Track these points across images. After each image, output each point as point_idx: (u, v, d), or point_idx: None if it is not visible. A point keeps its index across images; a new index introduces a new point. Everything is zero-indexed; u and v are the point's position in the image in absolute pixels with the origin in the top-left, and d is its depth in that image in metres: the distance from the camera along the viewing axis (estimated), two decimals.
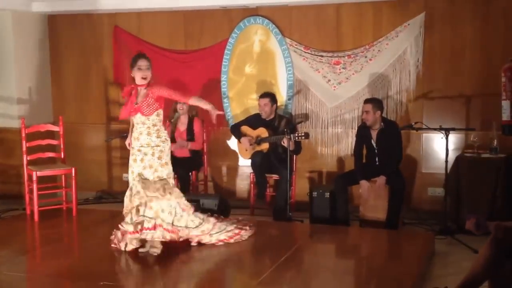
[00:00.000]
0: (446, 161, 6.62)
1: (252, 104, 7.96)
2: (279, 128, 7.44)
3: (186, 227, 5.67)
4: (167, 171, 5.67)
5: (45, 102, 9.02)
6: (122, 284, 5.04)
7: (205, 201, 7.09)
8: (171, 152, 5.82)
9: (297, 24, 7.91)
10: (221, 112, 5.91)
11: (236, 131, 7.76)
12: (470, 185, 6.69)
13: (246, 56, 8.15)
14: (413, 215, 7.29)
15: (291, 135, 7.02)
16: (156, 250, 5.54)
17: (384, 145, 6.86)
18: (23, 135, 7.22)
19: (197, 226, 5.73)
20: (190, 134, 7.75)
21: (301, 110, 7.94)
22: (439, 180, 7.12)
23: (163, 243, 5.56)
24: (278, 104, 7.83)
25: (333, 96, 7.75)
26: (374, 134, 6.91)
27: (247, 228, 6.21)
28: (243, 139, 7.63)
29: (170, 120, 7.63)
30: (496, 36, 7.06)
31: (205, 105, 5.71)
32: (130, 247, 5.60)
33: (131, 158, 5.71)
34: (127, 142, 5.95)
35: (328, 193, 6.99)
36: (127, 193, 5.68)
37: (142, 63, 5.58)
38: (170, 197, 5.57)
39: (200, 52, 8.34)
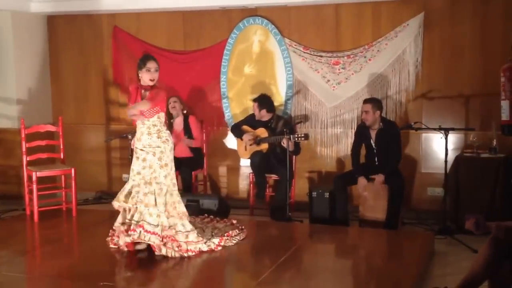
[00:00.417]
0: (446, 161, 6.62)
1: (251, 104, 7.94)
2: (277, 129, 7.44)
3: (175, 230, 5.61)
4: (165, 172, 5.62)
5: (44, 102, 9.03)
6: (122, 285, 5.04)
7: (205, 201, 7.11)
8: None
9: (296, 24, 7.92)
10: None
11: (236, 130, 7.76)
12: (470, 185, 6.69)
13: (245, 57, 8.16)
14: (413, 215, 7.29)
15: (291, 136, 7.02)
16: (140, 246, 5.63)
17: (383, 145, 6.87)
18: (23, 135, 7.22)
19: (187, 231, 5.65)
20: (188, 133, 7.77)
21: (300, 110, 7.94)
22: (438, 180, 7.12)
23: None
24: (277, 104, 7.84)
25: (333, 96, 7.75)
26: (373, 134, 6.92)
27: (235, 231, 6.15)
28: (244, 136, 7.62)
29: (169, 121, 7.65)
30: (495, 36, 7.06)
31: (137, 104, 5.60)
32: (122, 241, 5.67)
33: (134, 155, 5.71)
34: (132, 142, 5.99)
35: (328, 193, 6.99)
36: (125, 186, 5.73)
37: (152, 65, 5.55)
38: (158, 205, 5.53)
39: (199, 53, 8.34)
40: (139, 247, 5.67)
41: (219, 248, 5.72)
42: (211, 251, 5.65)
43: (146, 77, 5.56)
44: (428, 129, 6.88)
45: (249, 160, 7.57)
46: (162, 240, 5.50)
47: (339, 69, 7.68)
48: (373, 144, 6.92)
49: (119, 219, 5.76)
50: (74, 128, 8.85)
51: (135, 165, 5.66)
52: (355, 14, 7.65)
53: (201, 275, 5.33)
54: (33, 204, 7.03)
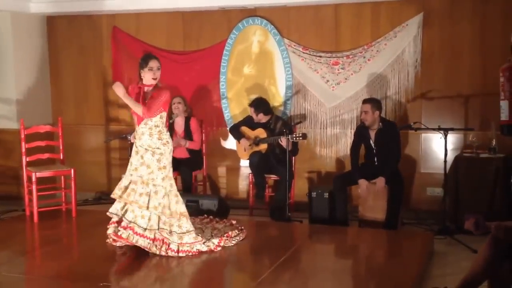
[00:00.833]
0: (445, 161, 6.63)
1: None
2: (276, 130, 7.45)
3: (170, 231, 5.58)
4: (163, 174, 5.60)
5: (44, 103, 9.03)
6: (122, 285, 5.04)
7: (204, 201, 7.11)
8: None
9: (296, 24, 7.92)
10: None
11: (235, 131, 7.76)
12: (469, 185, 6.70)
13: (244, 57, 8.16)
14: (412, 215, 7.29)
15: (289, 135, 7.03)
16: (119, 243, 5.70)
17: (382, 145, 6.87)
18: (22, 136, 7.22)
19: (183, 233, 5.61)
20: (188, 135, 7.76)
21: (299, 110, 7.94)
22: (438, 180, 7.13)
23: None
24: (277, 104, 7.85)
25: (332, 97, 7.76)
26: (372, 134, 6.92)
27: (235, 232, 6.12)
28: (242, 141, 7.64)
29: (168, 121, 7.64)
30: (494, 36, 7.07)
31: (129, 100, 5.58)
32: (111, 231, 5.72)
33: (133, 150, 5.71)
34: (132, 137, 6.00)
35: (327, 194, 6.99)
36: (122, 180, 5.73)
37: (154, 64, 5.56)
38: (151, 208, 5.52)
39: (198, 53, 8.35)
40: (119, 243, 5.74)
41: (219, 248, 5.70)
42: (211, 251, 5.64)
43: (149, 75, 5.57)
44: (428, 129, 6.88)
45: (248, 161, 7.57)
46: (153, 242, 5.50)
47: (338, 70, 7.68)
48: (373, 144, 6.93)
49: (116, 207, 5.74)
50: (73, 128, 8.85)
51: (134, 159, 5.66)
52: (355, 14, 7.65)
53: (201, 275, 5.33)
54: (33, 204, 7.03)
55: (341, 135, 7.80)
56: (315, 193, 7.07)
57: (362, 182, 6.82)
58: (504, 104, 5.96)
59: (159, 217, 5.55)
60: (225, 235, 5.96)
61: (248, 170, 7.72)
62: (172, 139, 7.52)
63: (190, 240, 5.61)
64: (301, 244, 6.18)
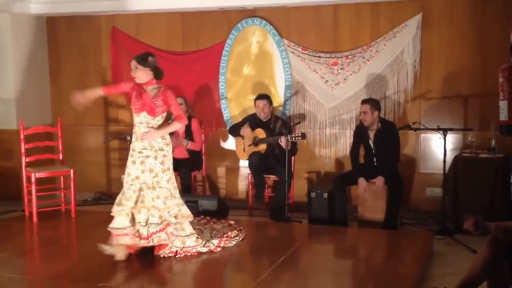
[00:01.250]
0: (444, 161, 6.63)
1: (250, 105, 7.95)
2: (275, 130, 7.45)
3: (174, 235, 5.54)
4: (167, 176, 5.55)
5: (43, 103, 9.03)
6: (121, 286, 5.03)
7: (204, 202, 7.12)
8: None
9: (295, 25, 7.92)
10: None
11: (234, 131, 7.77)
12: (468, 185, 6.70)
13: (244, 57, 8.16)
14: (412, 215, 7.30)
15: (288, 135, 7.03)
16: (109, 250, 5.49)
17: (382, 146, 6.87)
18: (22, 136, 7.22)
19: (187, 235, 5.57)
20: (189, 135, 7.76)
21: (299, 111, 7.94)
22: (437, 180, 7.13)
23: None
24: (276, 105, 7.86)
25: (331, 97, 7.76)
26: (371, 134, 6.92)
27: (234, 232, 6.10)
28: (242, 130, 7.59)
29: (168, 122, 7.61)
30: (493, 36, 7.07)
31: (166, 128, 5.59)
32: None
33: (129, 159, 5.57)
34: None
35: (327, 194, 6.99)
36: (119, 196, 5.57)
37: (131, 64, 5.51)
38: (164, 208, 5.49)
39: (198, 53, 8.35)
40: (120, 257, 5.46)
41: (218, 249, 5.69)
42: (210, 252, 5.63)
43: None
44: (427, 129, 6.88)
45: (247, 161, 7.57)
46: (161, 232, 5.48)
47: (337, 70, 7.68)
48: (372, 145, 6.93)
49: (121, 221, 5.50)
50: (73, 129, 8.85)
51: (132, 169, 5.53)
52: (354, 15, 7.66)
53: (200, 276, 5.33)
54: (32, 205, 7.03)
55: (340, 135, 7.81)
56: (314, 193, 7.07)
57: (361, 181, 6.82)
58: (503, 104, 5.96)
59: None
60: (224, 236, 5.94)
61: (248, 171, 7.72)
62: (172, 139, 7.61)
63: (192, 244, 5.57)
64: (301, 245, 6.18)
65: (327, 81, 7.74)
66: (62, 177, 7.54)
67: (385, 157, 6.85)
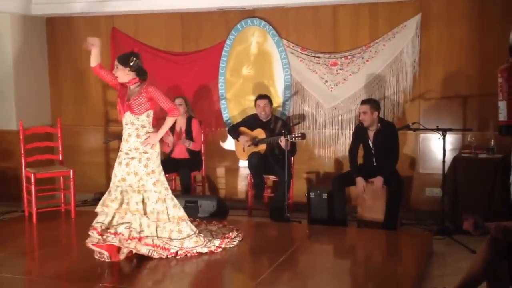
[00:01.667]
0: (444, 162, 6.63)
1: (250, 105, 7.96)
2: (275, 130, 7.46)
3: (170, 238, 5.50)
4: (153, 179, 5.49)
5: (43, 104, 9.03)
6: (121, 286, 5.04)
7: (203, 202, 7.12)
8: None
9: (294, 25, 7.93)
10: (151, 142, 5.57)
11: (234, 132, 7.77)
12: (468, 185, 6.71)
13: (243, 58, 8.17)
14: (411, 216, 7.30)
15: (288, 135, 7.04)
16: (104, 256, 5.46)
17: (381, 146, 6.87)
18: (21, 137, 7.22)
19: (184, 238, 5.54)
20: (189, 135, 7.76)
21: (298, 111, 7.95)
22: (436, 181, 7.14)
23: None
24: (275, 105, 7.87)
25: (330, 97, 7.77)
26: (371, 134, 6.92)
27: (234, 233, 6.06)
28: (241, 138, 7.64)
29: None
30: (492, 37, 7.08)
31: (163, 128, 5.58)
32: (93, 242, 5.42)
33: (117, 160, 5.57)
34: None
35: (326, 194, 6.99)
36: (105, 195, 5.56)
37: (114, 63, 5.53)
38: (149, 215, 5.43)
39: (197, 54, 8.35)
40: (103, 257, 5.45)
41: (219, 250, 5.67)
42: (211, 252, 5.62)
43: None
44: (426, 129, 6.89)
45: (247, 161, 7.58)
46: (154, 248, 5.41)
47: (337, 70, 7.69)
48: (371, 145, 6.93)
49: (103, 219, 5.51)
50: (72, 129, 8.85)
51: (118, 170, 5.53)
52: (353, 15, 7.66)
53: (200, 276, 5.33)
54: (32, 205, 7.04)
55: (340, 136, 7.81)
56: (313, 193, 7.07)
57: (359, 181, 6.83)
58: (502, 105, 5.96)
59: (156, 224, 5.47)
60: (226, 236, 5.91)
61: (247, 171, 7.72)
62: (171, 139, 7.61)
63: (191, 245, 5.54)
64: (300, 245, 6.18)
65: (326, 81, 7.75)
66: (61, 177, 7.54)
67: (384, 157, 6.86)
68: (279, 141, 7.20)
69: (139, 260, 5.45)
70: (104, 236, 5.35)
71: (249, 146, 7.60)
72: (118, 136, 8.05)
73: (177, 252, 5.49)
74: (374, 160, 6.95)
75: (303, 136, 7.06)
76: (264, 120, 7.57)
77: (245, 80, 8.19)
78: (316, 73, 7.78)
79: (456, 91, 7.30)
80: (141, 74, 5.54)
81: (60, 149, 7.58)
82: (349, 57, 7.64)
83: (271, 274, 5.05)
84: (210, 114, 8.36)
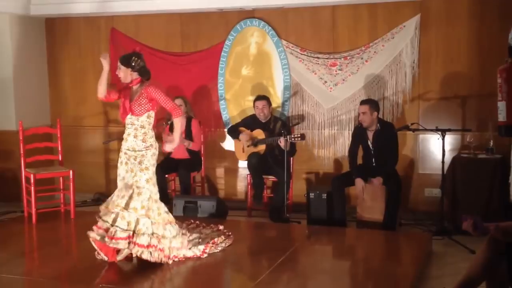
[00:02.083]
0: (443, 162, 6.64)
1: (249, 105, 7.96)
2: (275, 130, 7.47)
3: (163, 236, 5.42)
4: (146, 176, 5.43)
5: (42, 104, 9.04)
6: (120, 287, 5.04)
7: (203, 203, 7.12)
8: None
9: (293, 26, 7.94)
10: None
11: (233, 132, 7.78)
12: (467, 186, 6.71)
13: (242, 58, 8.17)
14: (410, 216, 7.30)
15: (288, 136, 7.04)
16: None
17: (380, 146, 6.88)
18: (21, 137, 7.22)
19: (173, 236, 5.47)
20: (188, 136, 7.76)
21: (297, 111, 7.96)
22: (435, 181, 7.15)
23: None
24: (275, 105, 7.87)
25: (330, 98, 7.77)
26: (370, 135, 6.93)
27: (221, 239, 5.96)
28: (241, 136, 7.64)
29: (167, 122, 7.60)
30: (491, 37, 7.08)
31: (176, 132, 5.57)
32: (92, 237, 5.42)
33: (119, 160, 5.57)
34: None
35: (325, 194, 7.00)
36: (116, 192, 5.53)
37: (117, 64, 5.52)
38: (133, 209, 5.33)
39: (196, 54, 8.36)
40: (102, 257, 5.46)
41: (205, 255, 5.57)
42: (197, 258, 5.53)
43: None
44: (425, 130, 6.90)
45: (246, 162, 7.58)
46: (147, 248, 5.30)
47: (336, 71, 7.70)
48: (370, 145, 6.94)
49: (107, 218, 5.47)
50: (72, 130, 8.85)
51: (121, 170, 5.54)
52: (352, 16, 7.67)
53: (199, 277, 5.33)
54: (31, 206, 7.03)
55: (339, 136, 7.82)
56: (313, 194, 7.08)
57: (358, 181, 6.84)
58: (501, 105, 5.95)
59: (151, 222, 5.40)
60: (211, 242, 5.80)
61: (246, 171, 7.73)
62: (170, 138, 7.59)
63: (178, 245, 5.48)
64: (299, 245, 6.18)
65: (325, 82, 7.76)
66: (61, 178, 7.54)
67: (383, 158, 6.87)
68: (279, 142, 7.20)
69: (138, 261, 5.45)
70: (106, 239, 5.31)
71: (248, 146, 7.60)
72: (118, 137, 8.11)
73: (169, 255, 5.40)
74: (373, 160, 6.96)
75: (302, 137, 7.06)
76: (264, 121, 7.58)
77: (245, 80, 8.20)
78: (315, 73, 7.79)
79: (455, 91, 7.31)
80: (144, 74, 5.52)
81: (59, 149, 7.58)
82: (348, 57, 7.64)
83: (270, 275, 5.06)
84: (209, 115, 8.36)
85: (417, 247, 5.94)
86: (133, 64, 5.46)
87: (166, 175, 7.74)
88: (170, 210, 5.96)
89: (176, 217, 5.74)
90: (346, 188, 7.14)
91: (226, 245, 5.89)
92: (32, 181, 7.03)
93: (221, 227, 6.39)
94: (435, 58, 7.38)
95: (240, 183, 8.36)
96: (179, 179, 7.59)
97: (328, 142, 7.88)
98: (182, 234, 5.72)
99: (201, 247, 5.65)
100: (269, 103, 7.58)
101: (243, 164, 7.98)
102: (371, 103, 6.89)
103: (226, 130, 8.09)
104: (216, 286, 5.25)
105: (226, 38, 8.17)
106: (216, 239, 5.90)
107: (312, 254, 5.98)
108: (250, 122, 7.67)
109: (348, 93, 7.69)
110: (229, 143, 8.24)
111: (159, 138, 5.91)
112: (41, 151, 7.50)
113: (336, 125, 7.81)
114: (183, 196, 7.34)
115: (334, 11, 7.73)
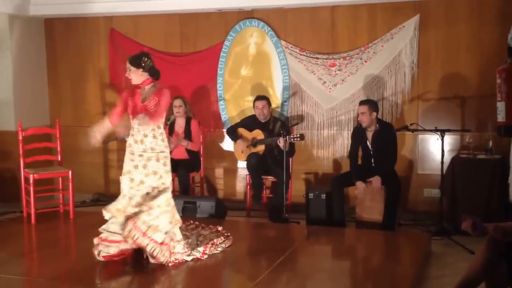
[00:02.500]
0: (442, 162, 6.63)
1: (248, 106, 7.97)
2: (274, 130, 7.47)
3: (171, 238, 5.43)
4: (170, 178, 5.49)
5: (42, 105, 9.04)
6: (120, 287, 5.04)
7: (202, 203, 7.11)
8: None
9: (293, 26, 7.94)
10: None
11: (232, 133, 7.78)
12: (466, 186, 6.71)
13: (241, 59, 8.18)
14: (409, 216, 7.30)
15: (287, 136, 7.04)
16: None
17: (379, 147, 6.87)
18: (20, 138, 7.22)
19: (178, 241, 5.47)
20: (188, 136, 7.76)
21: (296, 112, 7.96)
22: (435, 181, 7.15)
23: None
24: (274, 106, 7.87)
25: (329, 98, 7.78)
26: (369, 135, 6.93)
27: (220, 239, 5.92)
28: (238, 141, 7.65)
29: (166, 122, 7.61)
30: (491, 37, 7.09)
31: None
32: (103, 254, 5.37)
33: (130, 163, 5.45)
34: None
35: (324, 195, 6.99)
36: (122, 200, 5.45)
37: (126, 65, 5.48)
38: (157, 207, 5.32)
39: (196, 55, 8.36)
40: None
41: (205, 256, 5.54)
42: (197, 259, 5.50)
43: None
44: (424, 130, 6.90)
45: (245, 162, 7.58)
46: (160, 246, 5.31)
47: (335, 71, 7.70)
48: (370, 146, 6.94)
49: (114, 227, 5.45)
50: (71, 130, 8.83)
51: (135, 175, 5.41)
52: (351, 16, 7.67)
53: (198, 277, 5.32)
54: (31, 206, 7.03)
55: (338, 137, 7.82)
56: (312, 194, 7.07)
57: (359, 184, 6.84)
58: (501, 105, 5.98)
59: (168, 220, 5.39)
60: (210, 243, 5.76)
61: (246, 172, 7.73)
62: (171, 139, 7.60)
63: (181, 250, 5.47)
64: (299, 246, 6.18)
65: (324, 82, 7.76)
66: (60, 178, 7.54)
67: (382, 158, 6.86)
68: (278, 142, 7.20)
69: (138, 261, 5.44)
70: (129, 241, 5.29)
71: (247, 146, 7.60)
72: (117, 137, 8.11)
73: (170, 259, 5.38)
74: (372, 161, 6.96)
75: (302, 137, 7.07)
76: (263, 121, 7.58)
77: (244, 81, 8.20)
78: (314, 74, 7.79)
79: (455, 92, 7.31)
80: (154, 73, 5.50)
81: (58, 149, 7.58)
82: (347, 58, 7.65)
83: (269, 275, 5.05)
84: (208, 115, 8.36)
85: (416, 248, 5.93)
86: (143, 64, 5.43)
87: None
88: None
89: None
90: (345, 188, 7.14)
91: (226, 246, 5.88)
92: (31, 181, 7.03)
93: (220, 228, 6.36)
94: (435, 59, 7.39)
95: (239, 184, 8.37)
96: (178, 179, 7.59)
97: (327, 142, 7.88)
98: (183, 235, 5.72)
99: (201, 248, 5.63)
100: (269, 103, 7.58)
101: (242, 164, 7.98)
102: (370, 104, 6.89)
103: (225, 130, 8.09)
104: (216, 286, 5.25)
105: (225, 39, 8.18)
106: (215, 240, 5.88)
107: (311, 255, 5.98)
108: (250, 123, 7.67)
109: (347, 94, 7.70)
110: (228, 144, 8.24)
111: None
112: (40, 152, 7.49)
113: (335, 126, 7.82)
114: (182, 196, 7.33)
115: (333, 11, 7.74)
